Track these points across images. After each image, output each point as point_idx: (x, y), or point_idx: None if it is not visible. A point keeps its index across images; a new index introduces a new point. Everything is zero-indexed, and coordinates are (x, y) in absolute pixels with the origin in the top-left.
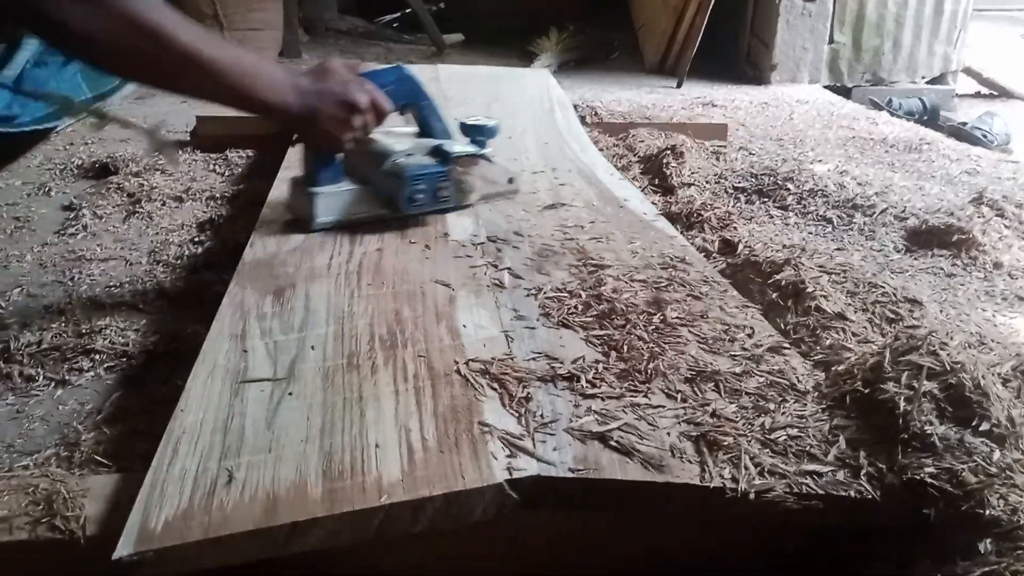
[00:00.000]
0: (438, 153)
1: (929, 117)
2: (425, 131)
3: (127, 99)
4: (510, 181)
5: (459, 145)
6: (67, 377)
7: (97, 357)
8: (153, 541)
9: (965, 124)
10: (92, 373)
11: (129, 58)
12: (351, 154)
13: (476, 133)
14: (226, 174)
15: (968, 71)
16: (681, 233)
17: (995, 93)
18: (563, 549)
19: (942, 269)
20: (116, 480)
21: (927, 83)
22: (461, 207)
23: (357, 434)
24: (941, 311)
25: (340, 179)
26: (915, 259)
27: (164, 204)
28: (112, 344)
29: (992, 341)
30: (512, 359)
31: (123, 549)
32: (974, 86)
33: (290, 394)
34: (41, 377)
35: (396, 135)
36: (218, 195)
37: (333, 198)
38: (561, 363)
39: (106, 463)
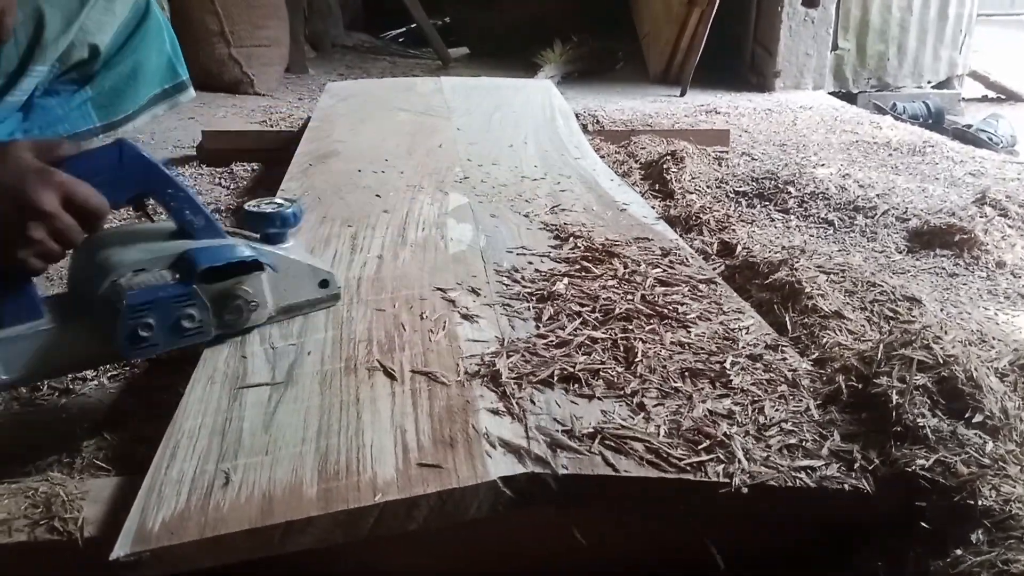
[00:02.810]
0: (181, 264)
1: (934, 121)
2: (181, 230)
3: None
4: (323, 285)
5: (218, 251)
6: (71, 386)
7: (100, 367)
8: (150, 541)
9: (970, 127)
10: (95, 382)
11: None
12: (38, 275)
13: (264, 224)
14: (231, 187)
15: (974, 75)
16: (680, 236)
17: (1002, 97)
18: (557, 547)
19: (944, 269)
20: (115, 483)
21: (933, 88)
22: (233, 334)
23: (353, 435)
24: (942, 310)
25: (38, 313)
26: (917, 259)
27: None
28: None
29: (993, 338)
30: (508, 360)
31: (120, 549)
32: (981, 90)
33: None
34: (45, 386)
35: (148, 236)
36: (223, 208)
37: (19, 344)
38: (557, 363)
39: (106, 468)
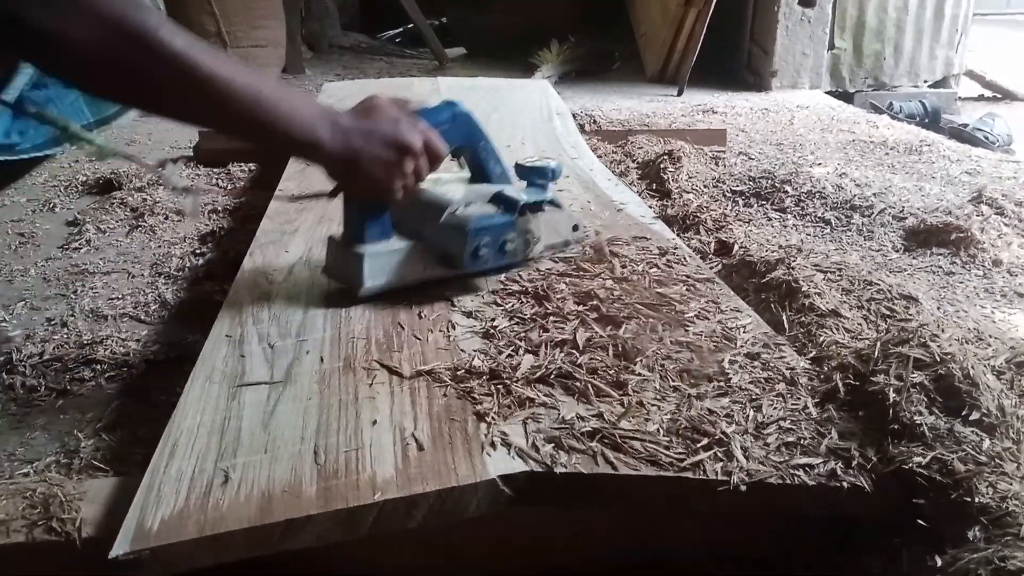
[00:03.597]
0: (502, 201)
1: (930, 120)
2: (481, 176)
3: (132, 117)
4: (575, 229)
5: (525, 192)
6: (68, 387)
7: (98, 367)
8: (149, 540)
9: (966, 126)
10: (93, 383)
11: (107, 68)
12: (399, 206)
13: (536, 176)
14: (228, 187)
15: (971, 74)
16: (678, 235)
17: (998, 96)
18: (556, 545)
19: (941, 267)
20: (113, 484)
21: (929, 87)
22: (525, 261)
23: (352, 434)
24: (939, 308)
25: (390, 235)
26: (914, 258)
27: (167, 218)
28: (113, 354)
29: (990, 336)
30: (507, 359)
31: (119, 548)
32: (977, 89)
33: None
34: (43, 387)
35: (446, 182)
36: (220, 208)
37: (383, 258)
38: (556, 362)
39: (104, 468)
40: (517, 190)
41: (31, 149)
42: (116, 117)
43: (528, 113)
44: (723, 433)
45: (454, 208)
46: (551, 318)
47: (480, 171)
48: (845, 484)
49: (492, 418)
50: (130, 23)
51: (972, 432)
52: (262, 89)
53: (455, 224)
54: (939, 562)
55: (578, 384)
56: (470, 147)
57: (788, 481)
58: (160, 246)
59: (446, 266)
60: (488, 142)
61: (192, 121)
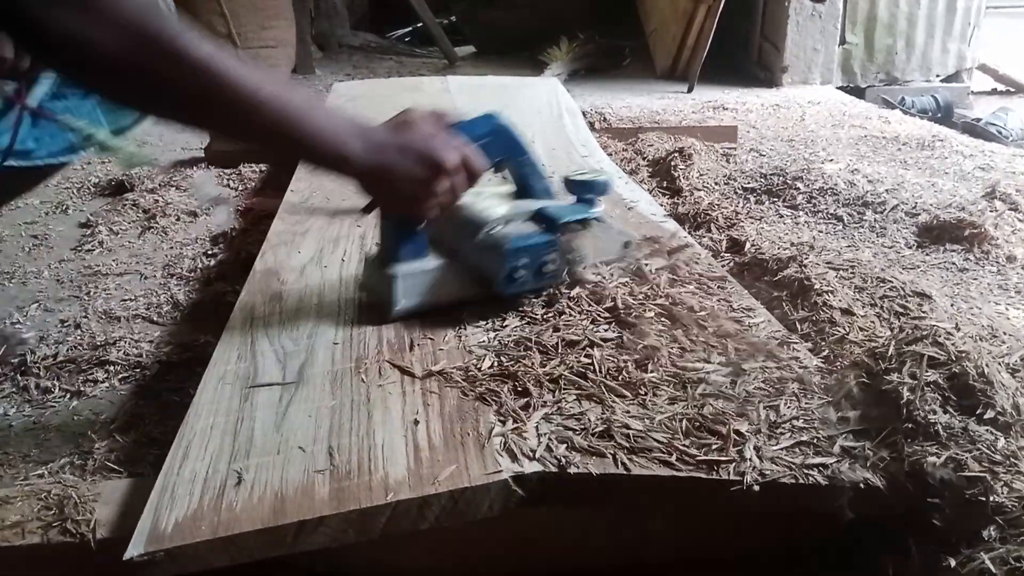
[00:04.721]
0: (543, 219)
1: (943, 114)
2: (523, 191)
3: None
4: (626, 246)
5: (568, 209)
6: (82, 388)
7: (111, 368)
8: (164, 541)
9: (979, 120)
10: (107, 384)
11: (128, 74)
12: (435, 222)
13: (583, 190)
14: (239, 188)
15: (983, 68)
16: (689, 233)
17: (1011, 90)
18: (568, 545)
19: (954, 264)
20: (126, 485)
21: (941, 81)
22: (564, 280)
23: (364, 435)
24: (952, 305)
25: (424, 253)
26: (927, 254)
27: (179, 219)
28: (126, 355)
29: (1004, 333)
30: (519, 359)
31: (134, 549)
32: (990, 83)
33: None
34: (57, 389)
35: (487, 197)
36: (231, 208)
37: (416, 278)
38: (568, 362)
39: (118, 469)
40: (561, 206)
41: (47, 156)
42: (133, 127)
43: (538, 111)
44: (736, 433)
45: (491, 227)
46: (563, 317)
47: (522, 185)
48: (859, 484)
49: (504, 418)
50: (152, 28)
51: (987, 431)
52: (292, 99)
53: (491, 244)
54: (953, 562)
55: (590, 384)
56: (510, 161)
57: (801, 481)
58: (172, 247)
59: (483, 287)
60: (529, 155)
61: (217, 131)
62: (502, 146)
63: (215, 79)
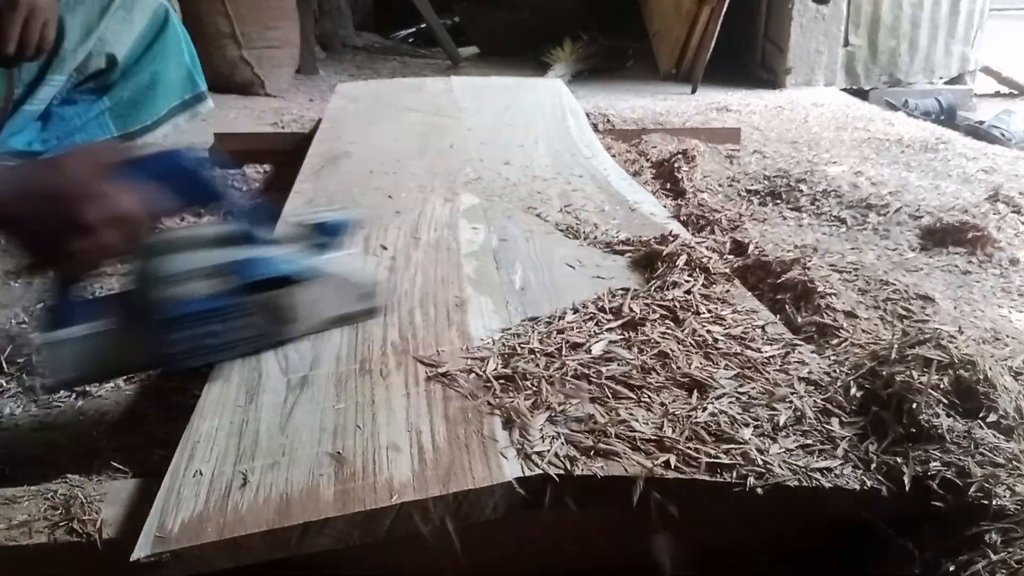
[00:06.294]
0: (232, 274)
1: (946, 117)
2: (242, 236)
3: None
4: (363, 298)
5: (275, 261)
6: (87, 388)
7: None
8: (170, 543)
9: (982, 123)
10: (112, 384)
11: None
12: (134, 275)
13: (316, 234)
14: (243, 189)
15: (987, 70)
16: (692, 235)
17: (1015, 92)
18: (572, 547)
19: (957, 267)
20: (133, 485)
21: (945, 84)
22: (274, 344)
23: (369, 436)
24: (956, 308)
25: (91, 315)
26: (930, 257)
27: (184, 219)
28: None
29: (1007, 337)
30: (522, 362)
31: (141, 551)
32: (993, 85)
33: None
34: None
35: (199, 242)
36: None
37: (68, 347)
38: (571, 364)
39: (123, 470)
40: (264, 259)
41: None
42: (142, 133)
43: (541, 112)
44: (740, 435)
45: (157, 287)
46: (566, 319)
47: (240, 231)
48: (862, 487)
49: (508, 420)
50: None
51: (990, 434)
52: None
53: (145, 310)
54: (954, 566)
55: (594, 387)
56: (204, 203)
57: (805, 484)
58: None
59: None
60: (231, 199)
61: None
62: (191, 188)
63: None
